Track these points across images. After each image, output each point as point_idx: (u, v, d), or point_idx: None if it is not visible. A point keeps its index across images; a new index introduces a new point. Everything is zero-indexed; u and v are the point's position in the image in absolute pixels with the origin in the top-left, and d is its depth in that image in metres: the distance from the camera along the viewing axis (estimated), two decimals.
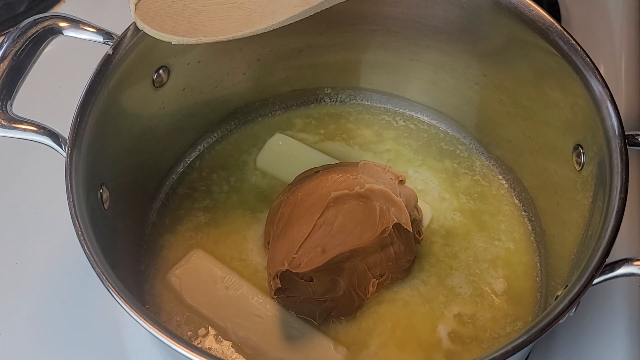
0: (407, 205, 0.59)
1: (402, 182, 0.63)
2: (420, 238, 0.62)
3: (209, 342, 0.57)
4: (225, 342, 0.57)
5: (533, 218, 0.64)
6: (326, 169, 0.62)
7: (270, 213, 0.62)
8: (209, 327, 0.58)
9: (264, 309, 0.58)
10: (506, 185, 0.67)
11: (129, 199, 0.61)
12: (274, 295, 0.57)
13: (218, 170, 0.68)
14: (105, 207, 0.54)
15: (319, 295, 0.57)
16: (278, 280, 0.56)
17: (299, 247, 0.56)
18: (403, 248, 0.59)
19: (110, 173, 0.56)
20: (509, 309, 0.59)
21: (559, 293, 0.51)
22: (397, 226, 0.58)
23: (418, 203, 0.63)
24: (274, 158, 0.68)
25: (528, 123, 0.62)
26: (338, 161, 0.67)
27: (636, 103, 0.75)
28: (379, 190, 0.58)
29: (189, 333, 0.58)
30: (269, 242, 0.60)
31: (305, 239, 0.56)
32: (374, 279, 0.58)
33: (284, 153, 0.68)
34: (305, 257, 0.56)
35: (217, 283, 0.60)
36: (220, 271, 0.60)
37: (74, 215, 0.48)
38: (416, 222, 0.61)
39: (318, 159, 0.67)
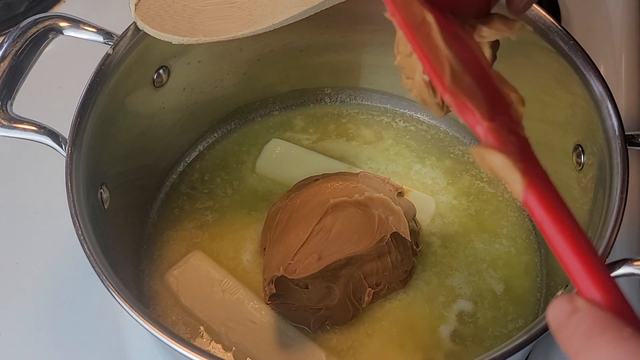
0: (405, 216, 0.59)
1: (401, 194, 0.63)
2: (418, 249, 0.61)
3: (202, 345, 0.57)
4: (217, 346, 0.57)
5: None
6: (325, 177, 0.62)
7: (267, 219, 0.62)
8: (203, 330, 0.58)
9: (259, 315, 0.58)
10: (506, 186, 0.67)
11: (129, 199, 0.61)
12: (269, 301, 0.57)
13: (218, 170, 0.68)
14: (105, 207, 0.54)
15: (314, 303, 0.57)
16: (273, 286, 0.56)
17: (295, 253, 0.56)
18: (400, 258, 0.58)
19: (110, 173, 0.56)
20: (510, 309, 0.59)
21: (559, 293, 0.51)
22: (395, 235, 0.58)
23: (422, 195, 0.63)
24: (272, 163, 0.68)
25: (528, 123, 0.62)
26: (337, 162, 0.67)
27: (636, 103, 0.75)
28: (379, 198, 0.58)
29: (185, 335, 0.58)
30: (265, 248, 0.60)
31: (302, 245, 0.56)
32: (370, 289, 0.58)
33: (282, 158, 0.68)
34: (301, 263, 0.56)
35: (214, 286, 0.60)
36: (218, 274, 0.60)
37: (74, 215, 0.48)
38: (414, 233, 0.61)
39: (317, 161, 0.67)
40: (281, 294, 0.57)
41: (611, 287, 0.30)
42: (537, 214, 0.31)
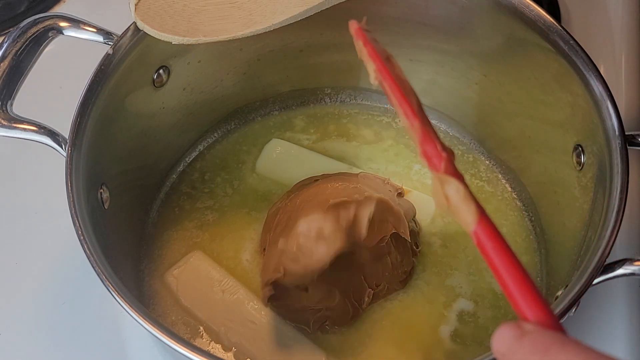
0: (405, 217, 0.59)
1: (400, 194, 0.62)
2: (417, 250, 0.61)
3: (201, 345, 0.57)
4: (217, 346, 0.57)
5: (533, 218, 0.64)
6: (325, 177, 0.62)
7: (267, 220, 0.62)
8: (202, 330, 0.58)
9: (258, 315, 0.58)
10: (506, 185, 0.67)
11: (129, 199, 0.61)
12: (267, 302, 0.57)
13: (218, 170, 0.68)
14: (105, 207, 0.54)
15: (314, 304, 0.56)
16: (271, 287, 0.55)
17: None
18: (400, 258, 0.58)
19: (110, 173, 0.56)
20: (510, 308, 0.59)
21: (559, 293, 0.51)
22: (395, 236, 0.57)
23: (422, 196, 0.63)
24: (273, 163, 0.68)
25: (528, 123, 0.62)
26: (337, 162, 0.67)
27: (636, 103, 0.75)
28: (378, 198, 0.58)
29: (184, 335, 0.58)
30: (264, 249, 0.60)
31: None
32: (370, 289, 0.58)
33: (282, 158, 0.68)
34: None
35: (214, 286, 0.60)
36: (218, 274, 0.60)
37: (74, 215, 0.48)
38: (414, 234, 0.60)
39: (317, 162, 0.67)
40: (280, 296, 0.56)
41: (551, 312, 0.33)
42: (486, 245, 0.34)
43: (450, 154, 0.36)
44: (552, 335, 0.31)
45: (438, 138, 0.37)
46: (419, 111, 0.37)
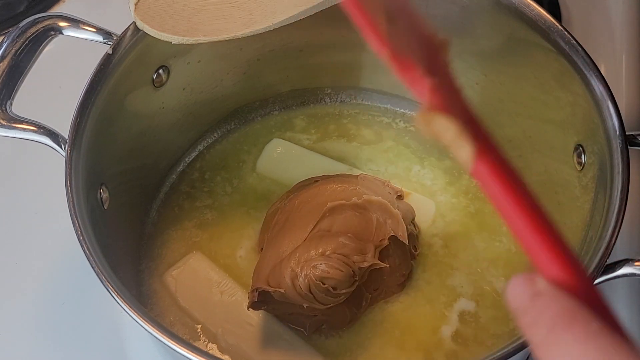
0: (404, 219, 0.58)
1: (400, 197, 0.62)
2: (416, 253, 0.61)
3: (198, 346, 0.57)
4: (213, 346, 0.57)
5: None
6: (325, 178, 0.62)
7: (266, 219, 0.62)
8: (200, 331, 0.58)
9: (256, 317, 0.58)
10: None
11: (129, 199, 0.61)
12: (249, 307, 0.56)
13: (218, 170, 0.68)
14: (105, 207, 0.54)
15: (309, 310, 0.55)
16: (256, 294, 0.55)
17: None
18: (398, 262, 0.58)
19: (110, 173, 0.56)
20: None
21: None
22: (393, 239, 0.57)
23: (422, 198, 0.63)
24: (273, 163, 0.68)
25: (529, 123, 0.62)
26: (338, 163, 0.67)
27: (637, 103, 0.75)
28: (377, 201, 0.58)
29: (182, 335, 0.57)
30: (262, 248, 0.60)
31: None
32: (368, 294, 0.58)
33: (283, 158, 0.68)
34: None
35: (212, 287, 0.59)
36: (216, 275, 0.60)
37: (73, 215, 0.48)
38: (413, 237, 0.60)
39: (318, 162, 0.67)
40: (268, 301, 0.56)
41: (574, 265, 0.27)
42: (489, 185, 0.28)
43: (439, 75, 0.28)
44: (564, 306, 0.25)
45: (424, 48, 0.29)
46: (389, 30, 0.30)
